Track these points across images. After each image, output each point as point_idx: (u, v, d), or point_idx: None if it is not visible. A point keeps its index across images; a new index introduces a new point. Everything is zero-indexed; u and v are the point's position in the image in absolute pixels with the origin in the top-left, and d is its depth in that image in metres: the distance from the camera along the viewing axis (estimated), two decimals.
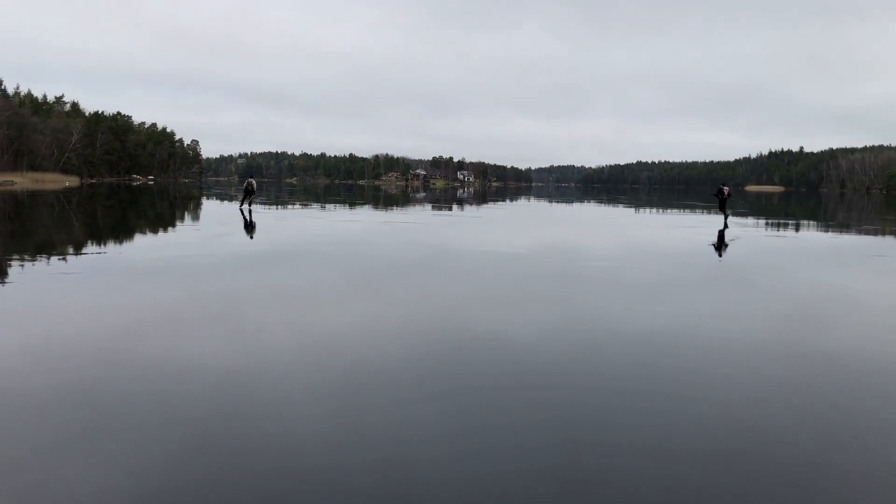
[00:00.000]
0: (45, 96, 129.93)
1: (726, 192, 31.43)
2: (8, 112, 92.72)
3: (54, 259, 14.39)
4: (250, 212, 32.15)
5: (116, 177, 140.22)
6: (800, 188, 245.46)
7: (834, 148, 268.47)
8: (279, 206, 41.48)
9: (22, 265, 13.35)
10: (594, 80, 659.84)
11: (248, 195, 34.67)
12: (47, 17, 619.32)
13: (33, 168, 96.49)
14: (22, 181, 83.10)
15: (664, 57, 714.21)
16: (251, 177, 36.86)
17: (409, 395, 5.95)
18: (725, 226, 28.18)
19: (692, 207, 54.94)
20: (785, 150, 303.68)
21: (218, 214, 33.21)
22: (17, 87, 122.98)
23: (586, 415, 5.59)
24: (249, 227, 24.81)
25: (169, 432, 5.00)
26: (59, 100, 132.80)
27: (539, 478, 4.45)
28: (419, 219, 33.58)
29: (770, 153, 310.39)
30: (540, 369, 6.83)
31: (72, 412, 5.37)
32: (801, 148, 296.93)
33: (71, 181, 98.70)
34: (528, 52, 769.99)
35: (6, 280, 11.62)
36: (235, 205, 39.43)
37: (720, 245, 20.74)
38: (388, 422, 5.31)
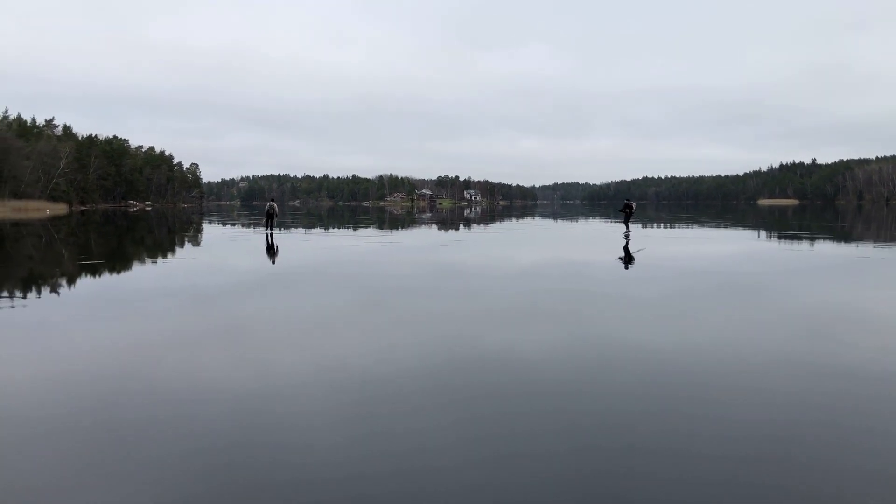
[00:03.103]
0: (34, 119, 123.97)
1: (633, 207, 34.76)
2: None
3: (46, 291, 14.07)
4: (271, 235, 32.71)
5: (112, 203, 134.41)
6: (815, 200, 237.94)
7: (845, 159, 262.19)
8: (283, 230, 39.72)
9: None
10: (598, 97, 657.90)
11: (270, 219, 34.56)
12: (50, 45, 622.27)
13: (17, 195, 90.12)
14: (1, 210, 77.12)
15: (668, 73, 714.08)
16: (272, 200, 37.31)
17: (422, 406, 6.11)
18: (627, 237, 30.73)
19: (700, 222, 52.79)
20: (797, 162, 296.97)
21: (230, 240, 31.91)
22: (6, 111, 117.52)
23: (598, 421, 5.73)
24: (271, 250, 24.85)
25: (190, 454, 5.02)
26: (49, 123, 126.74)
27: (555, 486, 4.52)
28: (433, 242, 31.36)
29: (781, 166, 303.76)
30: (551, 381, 6.96)
31: (93, 437, 5.38)
32: (814, 160, 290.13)
33: (57, 209, 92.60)
34: (532, 71, 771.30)
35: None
36: (235, 228, 40.33)
37: (627, 258, 21.28)
38: (403, 432, 5.45)
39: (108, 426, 5.62)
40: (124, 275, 17.36)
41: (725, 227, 43.84)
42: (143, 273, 17.71)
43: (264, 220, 35.38)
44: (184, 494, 4.40)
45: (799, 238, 31.14)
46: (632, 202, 35.42)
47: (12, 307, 11.70)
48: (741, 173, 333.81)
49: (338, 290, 13.89)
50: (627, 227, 34.95)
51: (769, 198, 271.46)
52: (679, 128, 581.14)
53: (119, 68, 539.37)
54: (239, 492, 4.44)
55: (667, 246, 27.22)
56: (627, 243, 27.41)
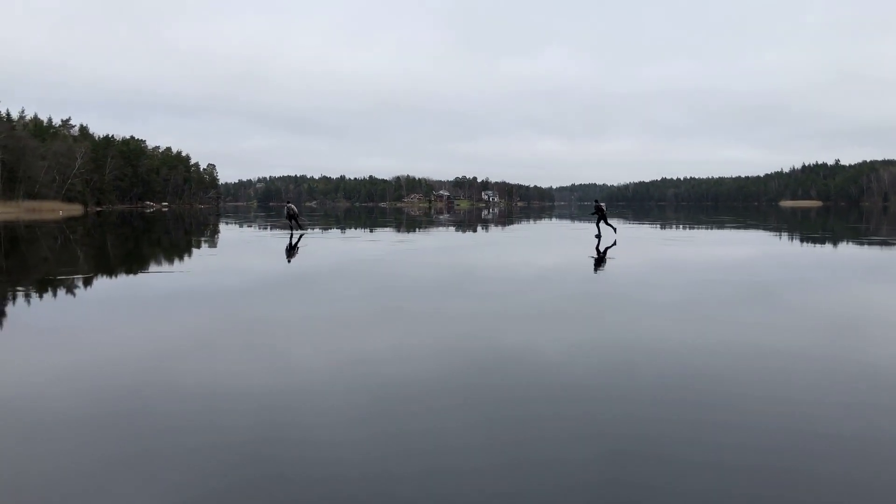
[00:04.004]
0: (50, 120, 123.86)
1: (604, 207, 34.43)
2: (1, 135, 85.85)
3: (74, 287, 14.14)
4: (293, 235, 33.22)
5: (128, 204, 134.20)
6: (839, 202, 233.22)
7: (870, 160, 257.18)
8: (299, 231, 38.09)
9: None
10: (617, 99, 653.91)
11: (294, 219, 35.34)
12: (73, 47, 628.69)
13: (31, 196, 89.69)
14: (14, 211, 76.55)
15: (688, 74, 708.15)
16: (288, 202, 37.63)
17: (441, 407, 6.07)
18: (609, 237, 31.14)
19: (720, 223, 50.88)
20: (820, 163, 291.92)
21: (250, 241, 31.78)
22: (22, 111, 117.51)
23: (623, 427, 5.58)
24: (292, 251, 24.49)
25: (211, 455, 4.99)
26: (65, 123, 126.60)
27: (579, 492, 4.45)
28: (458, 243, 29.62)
29: (804, 167, 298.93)
30: (572, 383, 6.86)
31: (114, 438, 5.34)
32: (838, 161, 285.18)
33: (71, 209, 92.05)
34: (552, 73, 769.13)
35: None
36: (253, 230, 41.49)
37: (603, 256, 21.62)
38: (423, 432, 5.44)
39: (128, 423, 5.66)
40: (140, 279, 16.66)
41: (730, 228, 41.86)
42: (148, 280, 16.47)
43: (289, 223, 36.58)
44: (205, 490, 4.43)
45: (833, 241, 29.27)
46: (601, 203, 34.77)
47: (25, 308, 11.72)
48: (762, 174, 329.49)
49: (357, 291, 13.84)
50: (598, 228, 33.86)
51: (791, 199, 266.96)
52: (699, 129, 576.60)
53: (141, 71, 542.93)
54: (257, 488, 4.46)
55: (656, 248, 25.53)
56: (598, 244, 27.51)
